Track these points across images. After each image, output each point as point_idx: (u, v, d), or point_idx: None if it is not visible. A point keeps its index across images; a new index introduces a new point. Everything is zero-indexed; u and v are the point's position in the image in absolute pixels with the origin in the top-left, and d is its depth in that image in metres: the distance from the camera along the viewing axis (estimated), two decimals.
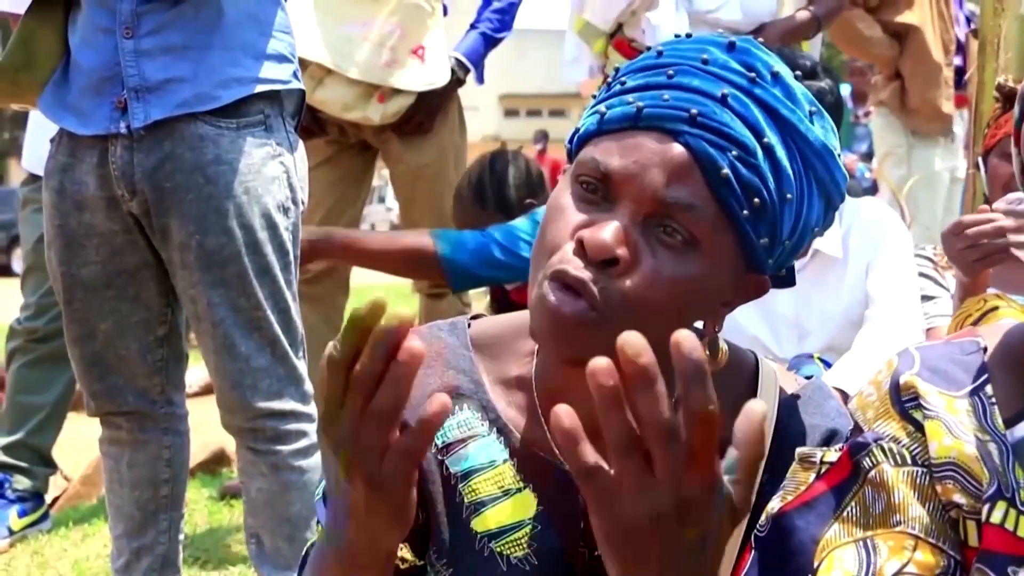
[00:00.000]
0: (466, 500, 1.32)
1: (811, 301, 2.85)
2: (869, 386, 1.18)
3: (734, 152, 1.15)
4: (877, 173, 7.43)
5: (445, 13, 4.04)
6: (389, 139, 4.00)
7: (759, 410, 0.88)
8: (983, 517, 1.07)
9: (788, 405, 1.31)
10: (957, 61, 5.24)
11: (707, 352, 1.25)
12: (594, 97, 1.28)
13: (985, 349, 1.15)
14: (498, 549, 1.31)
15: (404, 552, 1.35)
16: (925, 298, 2.97)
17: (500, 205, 3.34)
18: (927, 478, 1.09)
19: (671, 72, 1.18)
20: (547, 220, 1.20)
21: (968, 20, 5.42)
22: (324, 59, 3.78)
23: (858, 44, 5.18)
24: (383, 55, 3.82)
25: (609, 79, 1.26)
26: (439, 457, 1.34)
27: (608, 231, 1.14)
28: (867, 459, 1.12)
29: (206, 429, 3.84)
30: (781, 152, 1.17)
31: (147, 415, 2.54)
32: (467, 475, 1.33)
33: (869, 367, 2.57)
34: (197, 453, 4.30)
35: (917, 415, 1.11)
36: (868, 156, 8.25)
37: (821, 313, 2.85)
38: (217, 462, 4.51)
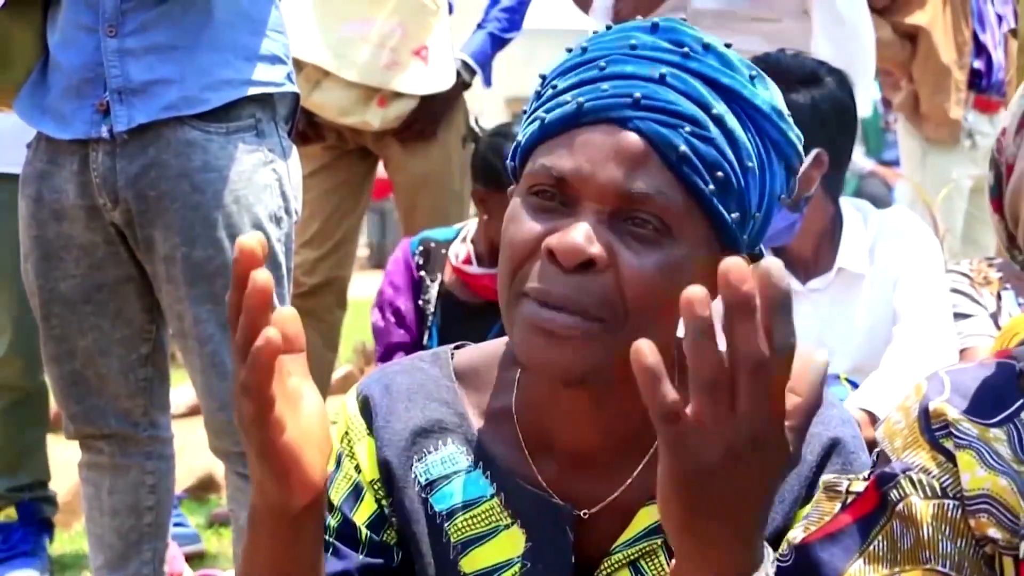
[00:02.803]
0: (453, 540, 1.33)
1: (835, 319, 2.84)
2: (897, 412, 1.17)
3: (686, 128, 1.16)
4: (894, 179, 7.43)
5: (450, 12, 4.04)
6: (390, 145, 4.00)
7: (821, 360, 0.94)
8: (1021, 553, 1.06)
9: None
10: (978, 64, 5.23)
11: None
12: (524, 112, 1.29)
13: (1021, 372, 1.14)
14: None
15: None
16: (960, 316, 2.95)
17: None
18: (959, 511, 1.08)
19: (602, 64, 1.20)
20: (506, 239, 1.21)
21: (1000, 19, 5.41)
22: (321, 60, 3.78)
23: None
24: (383, 56, 3.83)
25: (538, 87, 1.26)
26: (423, 495, 1.34)
27: (577, 233, 1.14)
28: (895, 491, 1.11)
29: (193, 453, 3.84)
30: (732, 121, 1.18)
31: (129, 438, 2.53)
32: (452, 513, 1.33)
33: (898, 388, 2.56)
34: (183, 479, 4.27)
35: (948, 444, 1.10)
36: (897, 163, 8.24)
37: (847, 331, 2.84)
38: (205, 488, 4.49)
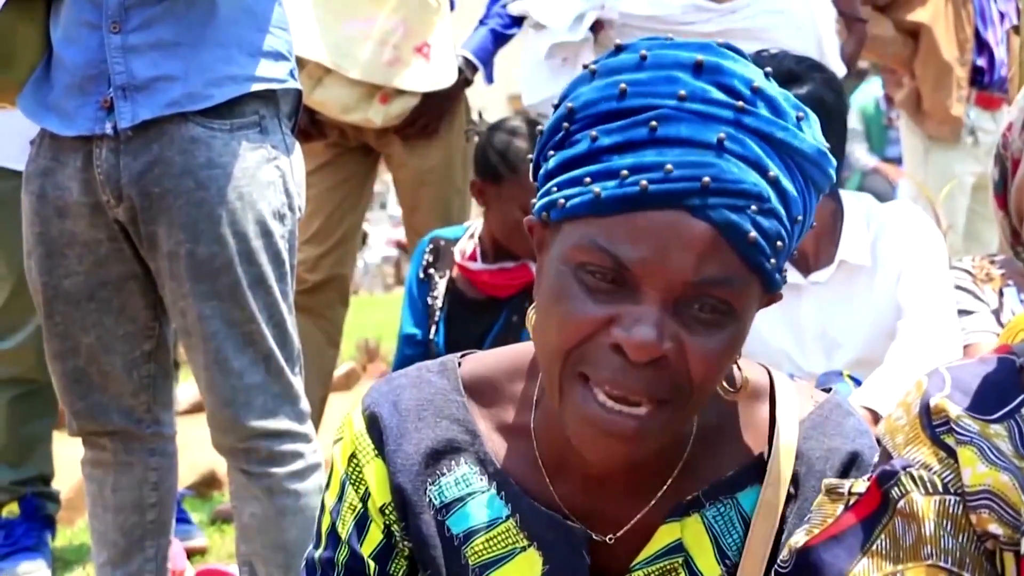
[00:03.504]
0: (471, 563, 1.32)
1: (839, 313, 2.84)
2: (898, 409, 1.17)
3: (752, 207, 1.14)
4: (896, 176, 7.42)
5: (452, 8, 4.04)
6: (392, 142, 4.00)
7: None
8: (1022, 549, 1.06)
9: (804, 429, 1.30)
10: (980, 61, 5.23)
11: (736, 388, 1.26)
12: (540, 132, 1.24)
13: (1022, 368, 1.15)
14: None
15: None
16: (962, 312, 2.95)
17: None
18: (960, 507, 1.09)
19: (653, 124, 1.14)
20: (557, 315, 1.17)
21: (1003, 16, 5.41)
22: (323, 58, 3.78)
23: (869, 44, 5.19)
24: (385, 53, 3.82)
25: (564, 122, 1.19)
26: (439, 518, 1.33)
27: (648, 331, 1.12)
28: (896, 488, 1.11)
29: (196, 450, 3.84)
30: (786, 180, 1.17)
31: (132, 435, 2.53)
32: (469, 536, 1.32)
33: (902, 384, 2.55)
34: (186, 475, 4.28)
35: (949, 440, 1.11)
36: (899, 161, 8.24)
37: (850, 325, 2.84)
38: (208, 485, 4.50)
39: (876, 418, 2.51)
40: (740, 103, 1.15)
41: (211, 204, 2.31)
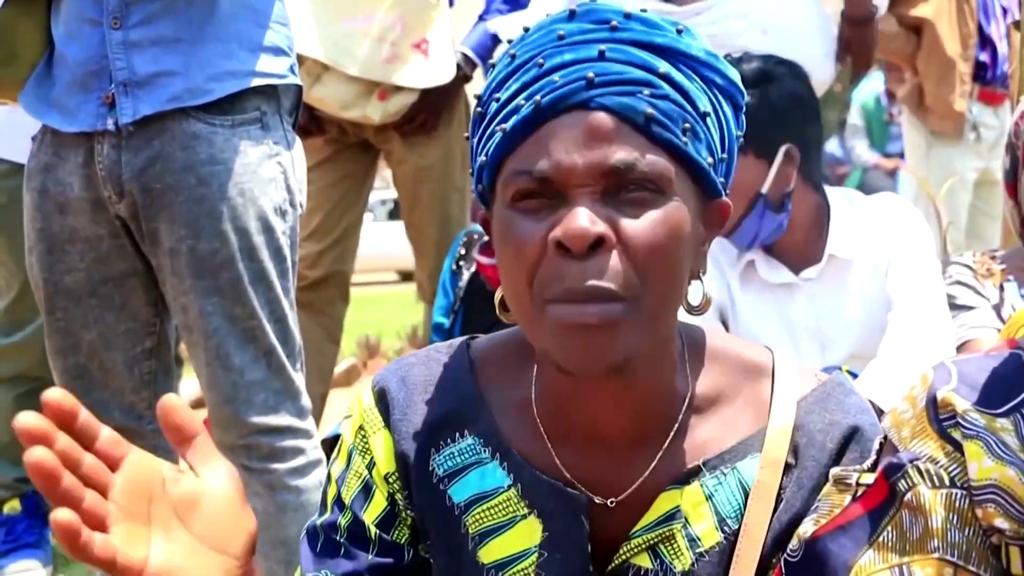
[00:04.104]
0: (471, 531, 1.34)
1: (830, 307, 2.84)
2: (904, 402, 1.17)
3: (645, 92, 1.21)
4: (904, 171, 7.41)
5: (451, 5, 4.04)
6: (391, 139, 4.00)
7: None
8: None
9: (806, 403, 1.33)
10: (983, 56, 5.23)
11: (698, 306, 1.31)
12: (466, 138, 1.32)
13: None
14: None
15: None
16: (963, 308, 2.95)
17: None
18: (967, 501, 1.09)
19: (540, 61, 1.23)
20: (508, 252, 1.23)
21: (1005, 11, 5.41)
22: (322, 55, 3.78)
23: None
24: (384, 50, 3.82)
25: (479, 108, 1.29)
26: (441, 487, 1.35)
27: (579, 217, 1.17)
28: (903, 481, 1.12)
29: None
30: (678, 75, 1.23)
31: (134, 432, 2.53)
32: (470, 505, 1.35)
33: (897, 376, 2.56)
34: None
35: (956, 434, 1.11)
36: (902, 156, 8.25)
37: (842, 319, 2.84)
38: None
39: (874, 410, 2.51)
40: (614, 23, 1.23)
41: (212, 200, 2.31)
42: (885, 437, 1.19)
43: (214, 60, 2.33)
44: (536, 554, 1.32)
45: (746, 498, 1.30)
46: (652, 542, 1.31)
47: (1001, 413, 1.11)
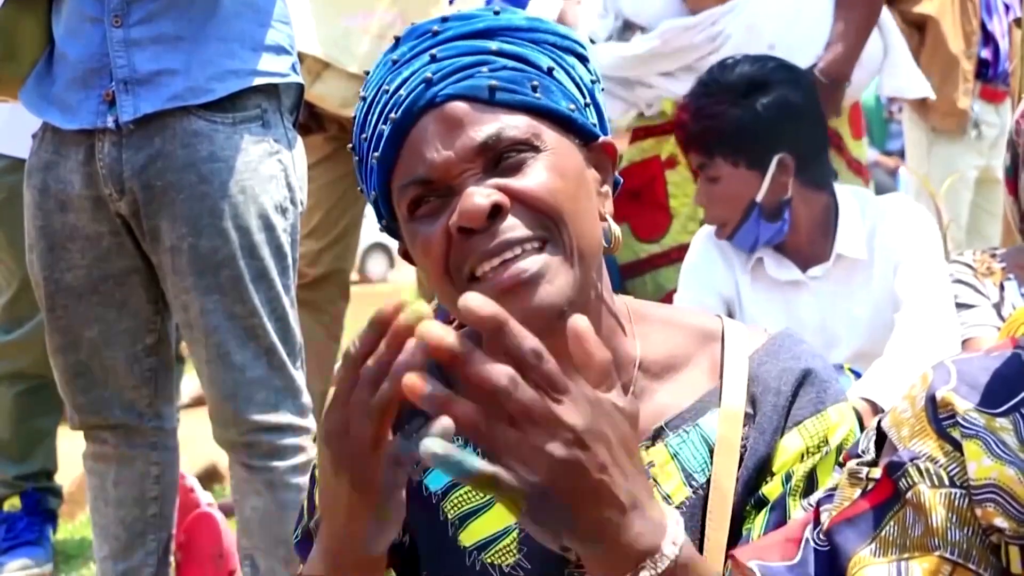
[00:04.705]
0: (450, 517, 1.36)
1: (837, 306, 2.85)
2: (903, 401, 1.17)
3: (483, 69, 1.27)
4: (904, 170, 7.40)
5: (451, 2, 4.04)
6: None
7: (576, 324, 1.02)
8: None
9: (758, 355, 1.36)
10: (985, 53, 5.23)
11: (609, 244, 1.35)
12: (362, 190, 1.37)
13: None
14: (488, 560, 1.34)
15: None
16: (963, 306, 2.95)
17: None
18: (966, 500, 1.09)
19: (386, 88, 1.30)
20: (420, 256, 1.29)
21: (1007, 8, 5.40)
22: (321, 52, 3.78)
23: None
24: (384, 47, 3.80)
25: (355, 156, 1.35)
26: (416, 479, 1.37)
27: (468, 198, 1.22)
28: (904, 479, 1.12)
29: (197, 444, 3.84)
30: (509, 47, 1.30)
31: (134, 429, 2.54)
32: (447, 492, 1.37)
33: (901, 377, 2.56)
34: (187, 469, 4.28)
35: (955, 433, 1.11)
36: (902, 154, 8.24)
37: (848, 318, 2.85)
38: (209, 479, 4.50)
39: (876, 409, 2.51)
40: (434, 28, 1.31)
41: (213, 198, 2.31)
42: (884, 434, 1.19)
43: (216, 59, 2.33)
44: (516, 531, 1.33)
45: (711, 452, 1.32)
46: None
47: (1001, 412, 1.11)
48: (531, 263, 1.22)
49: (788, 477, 1.30)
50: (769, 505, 1.29)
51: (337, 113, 3.88)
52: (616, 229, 1.35)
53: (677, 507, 1.31)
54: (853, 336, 2.85)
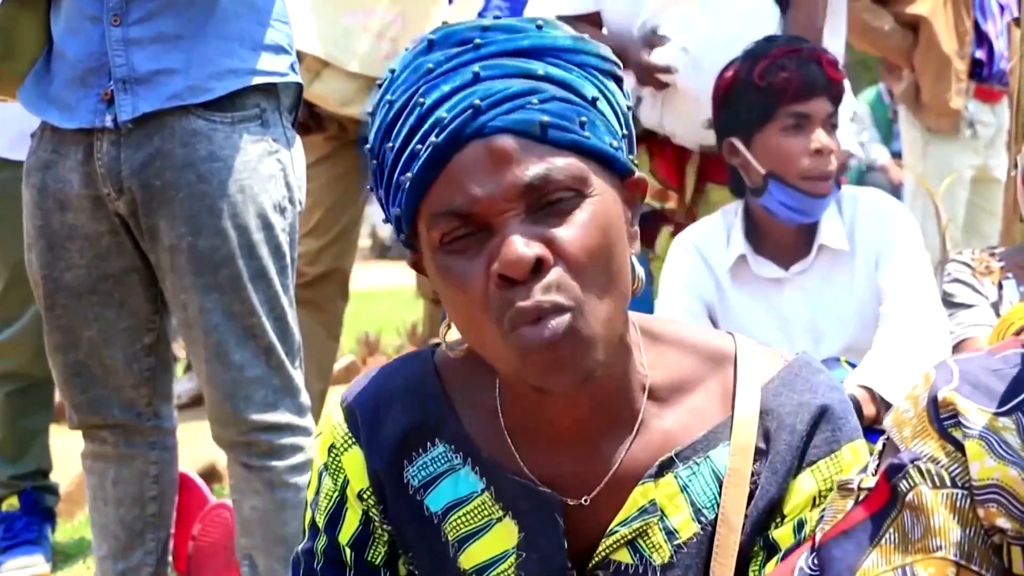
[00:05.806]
0: (450, 538, 1.35)
1: (823, 300, 2.84)
2: (905, 401, 1.17)
3: (533, 100, 1.20)
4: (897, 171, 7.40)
5: (450, 1, 4.04)
6: None
7: None
8: None
9: (773, 385, 1.33)
10: (979, 53, 5.24)
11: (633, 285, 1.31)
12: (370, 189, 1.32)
13: None
14: None
15: None
16: (961, 306, 2.95)
17: None
18: (968, 501, 1.09)
19: (420, 101, 1.22)
20: (451, 292, 1.23)
21: (1002, 8, 5.41)
22: (321, 51, 3.77)
23: (868, 37, 5.19)
24: (384, 46, 3.82)
25: (373, 160, 1.28)
26: (417, 499, 1.36)
27: (513, 246, 1.17)
28: (904, 481, 1.11)
29: (196, 443, 3.84)
30: (556, 71, 1.23)
31: (133, 428, 2.53)
32: (447, 512, 1.36)
33: (894, 365, 2.56)
34: (186, 469, 4.28)
35: (957, 434, 1.11)
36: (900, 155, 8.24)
37: (835, 313, 2.84)
38: (208, 478, 4.48)
39: (873, 396, 2.51)
40: (476, 40, 1.23)
41: (212, 197, 2.31)
42: (887, 437, 1.18)
43: (215, 58, 2.33)
44: (515, 555, 1.33)
45: (720, 487, 1.30)
46: (630, 537, 1.31)
47: (1003, 412, 1.11)
48: (566, 327, 1.18)
49: (800, 525, 1.28)
50: (780, 554, 1.28)
51: (336, 112, 3.88)
52: (640, 270, 1.31)
53: (685, 543, 1.31)
54: (840, 331, 2.85)
